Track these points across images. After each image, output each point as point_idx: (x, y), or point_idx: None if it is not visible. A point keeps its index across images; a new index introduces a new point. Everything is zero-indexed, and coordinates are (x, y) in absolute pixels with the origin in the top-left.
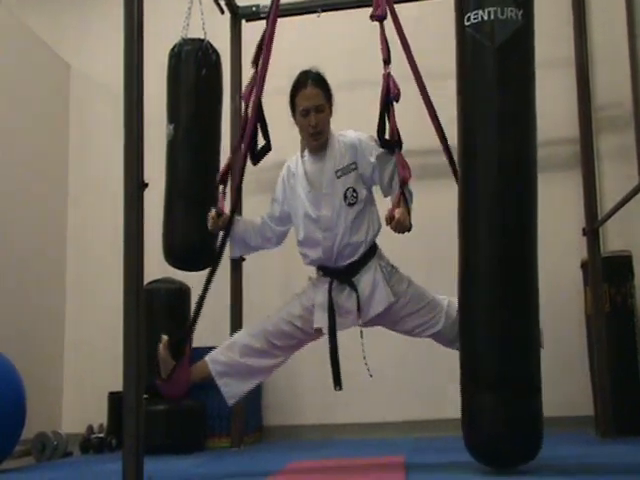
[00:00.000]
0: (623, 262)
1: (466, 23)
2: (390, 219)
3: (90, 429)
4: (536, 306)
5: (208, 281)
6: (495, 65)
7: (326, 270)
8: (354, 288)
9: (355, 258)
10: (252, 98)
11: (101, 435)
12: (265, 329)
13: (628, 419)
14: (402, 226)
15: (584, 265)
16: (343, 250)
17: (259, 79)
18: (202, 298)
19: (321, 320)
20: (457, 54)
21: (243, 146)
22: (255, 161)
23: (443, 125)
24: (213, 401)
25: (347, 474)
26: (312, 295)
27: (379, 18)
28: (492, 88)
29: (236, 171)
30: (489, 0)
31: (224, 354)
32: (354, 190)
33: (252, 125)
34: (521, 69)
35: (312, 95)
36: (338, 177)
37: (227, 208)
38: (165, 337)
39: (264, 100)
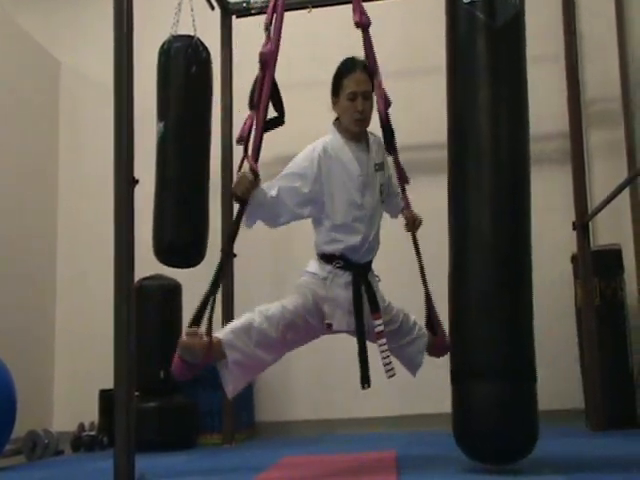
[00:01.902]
0: (613, 256)
1: (465, 0)
2: (413, 220)
3: (81, 427)
4: (530, 293)
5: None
6: (495, 45)
7: (348, 263)
8: (371, 287)
9: (372, 257)
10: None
11: (92, 433)
12: (283, 316)
13: (618, 412)
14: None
15: (574, 259)
16: (372, 241)
17: (275, 40)
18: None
19: (343, 318)
20: (449, 31)
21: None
22: (265, 129)
23: (432, 118)
24: (204, 398)
25: (339, 469)
26: (322, 291)
27: (364, 26)
28: (490, 67)
29: (257, 130)
30: None
31: (240, 338)
32: (382, 189)
33: (269, 83)
34: (518, 51)
35: (362, 80)
36: (376, 170)
37: None
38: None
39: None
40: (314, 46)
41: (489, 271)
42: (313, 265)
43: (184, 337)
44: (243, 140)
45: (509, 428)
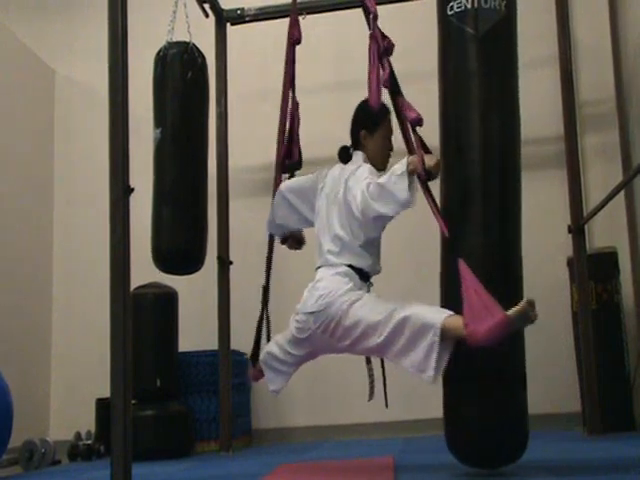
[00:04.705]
0: (609, 259)
1: (449, 12)
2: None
3: (78, 436)
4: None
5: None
6: (479, 53)
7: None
8: None
9: None
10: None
11: (89, 442)
12: None
13: (615, 416)
14: None
15: (570, 263)
16: None
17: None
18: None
19: None
20: (439, 43)
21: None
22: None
23: (428, 122)
24: (201, 405)
25: (337, 475)
26: None
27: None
28: (475, 76)
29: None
30: None
31: None
32: None
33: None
34: (504, 58)
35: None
36: None
37: None
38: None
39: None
40: (301, 53)
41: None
42: (348, 279)
43: None
44: (421, 123)
45: (499, 434)
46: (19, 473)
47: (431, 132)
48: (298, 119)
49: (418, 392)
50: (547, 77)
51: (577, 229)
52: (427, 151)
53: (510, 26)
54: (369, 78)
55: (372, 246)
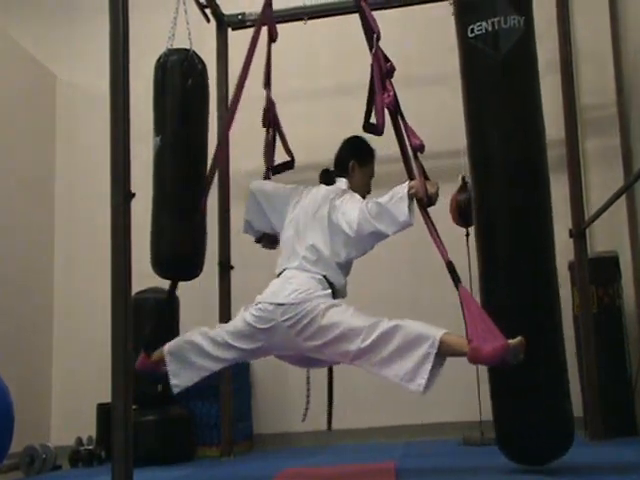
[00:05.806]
0: (610, 263)
1: (469, 35)
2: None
3: (79, 441)
4: (559, 314)
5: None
6: (502, 73)
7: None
8: None
9: None
10: None
11: (90, 447)
12: None
13: (617, 420)
14: None
15: (571, 266)
16: None
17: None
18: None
19: None
20: (461, 65)
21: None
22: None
23: (428, 127)
24: (202, 410)
25: None
26: None
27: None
28: (500, 95)
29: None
30: (492, 11)
31: None
32: None
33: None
34: (526, 74)
35: None
36: None
37: None
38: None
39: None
40: (300, 58)
41: (516, 292)
42: (322, 287)
43: None
44: (423, 150)
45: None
46: (20, 478)
47: (432, 136)
48: (276, 116)
49: (419, 397)
50: (548, 81)
51: (578, 233)
52: (426, 178)
53: (530, 42)
54: (369, 100)
55: (345, 268)
